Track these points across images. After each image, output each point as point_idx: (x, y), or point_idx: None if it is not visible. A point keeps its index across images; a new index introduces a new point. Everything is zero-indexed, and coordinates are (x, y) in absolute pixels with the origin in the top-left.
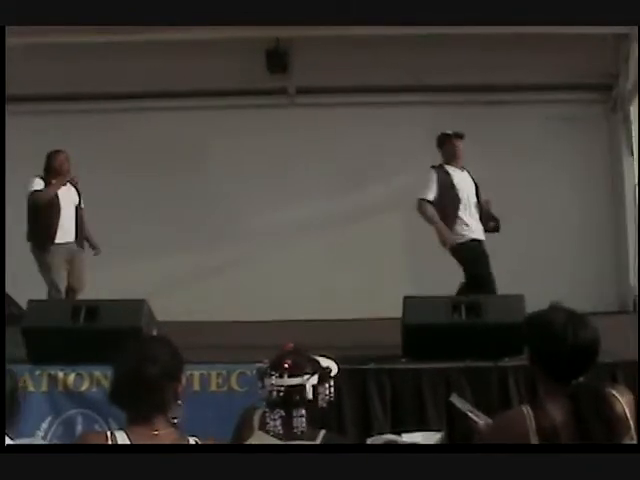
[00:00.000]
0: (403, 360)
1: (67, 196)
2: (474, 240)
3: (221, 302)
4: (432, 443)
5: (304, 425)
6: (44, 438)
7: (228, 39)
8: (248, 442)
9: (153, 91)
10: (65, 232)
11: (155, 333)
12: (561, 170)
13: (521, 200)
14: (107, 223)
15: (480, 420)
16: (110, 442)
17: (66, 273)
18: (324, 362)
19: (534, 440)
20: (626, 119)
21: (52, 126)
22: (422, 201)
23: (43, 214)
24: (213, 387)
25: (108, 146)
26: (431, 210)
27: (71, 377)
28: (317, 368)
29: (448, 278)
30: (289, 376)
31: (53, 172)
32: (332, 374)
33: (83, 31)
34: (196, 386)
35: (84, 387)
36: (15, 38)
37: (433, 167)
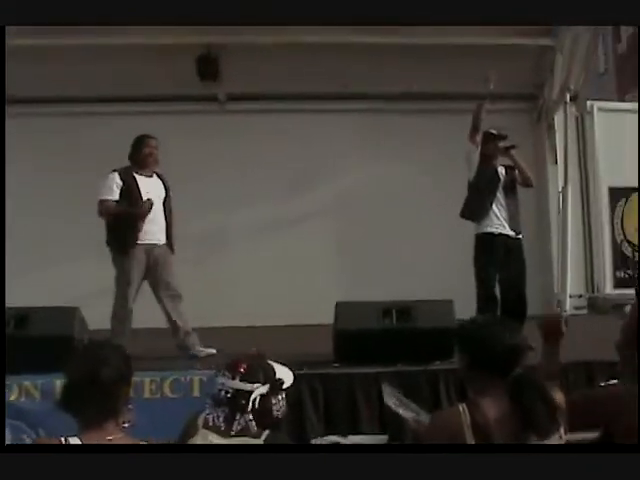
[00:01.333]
0: (335, 365)
1: (153, 190)
2: (507, 236)
3: (153, 309)
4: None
5: (246, 425)
6: None
7: (159, 45)
8: (192, 440)
9: (83, 96)
10: (148, 232)
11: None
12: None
13: (446, 207)
14: (39, 227)
15: (413, 414)
16: None
17: (151, 279)
18: (279, 373)
19: (469, 436)
20: (550, 128)
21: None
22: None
23: (122, 215)
24: (147, 394)
25: (44, 149)
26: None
27: None
28: (270, 378)
29: (380, 283)
30: (240, 380)
31: (139, 162)
32: (284, 386)
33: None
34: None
35: (13, 397)
36: None
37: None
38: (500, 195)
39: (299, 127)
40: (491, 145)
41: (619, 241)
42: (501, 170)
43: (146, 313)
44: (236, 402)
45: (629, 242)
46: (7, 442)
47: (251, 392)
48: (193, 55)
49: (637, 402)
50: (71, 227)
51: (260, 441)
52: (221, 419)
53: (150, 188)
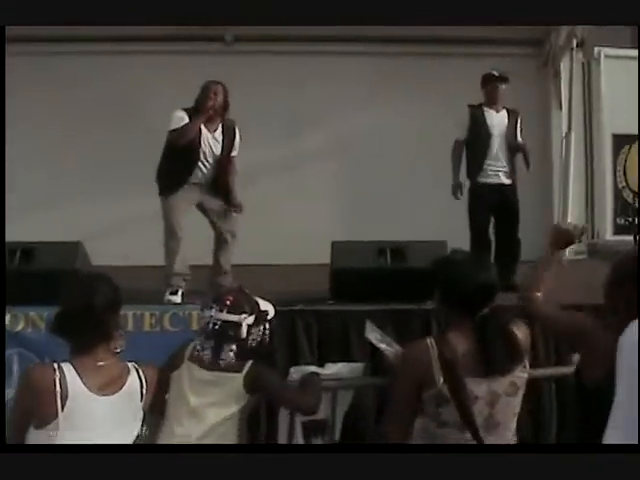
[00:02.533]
0: (330, 302)
1: (212, 142)
2: (501, 184)
3: (156, 247)
4: (353, 374)
5: (232, 358)
6: None
7: None
8: (177, 371)
9: (83, 35)
10: (197, 179)
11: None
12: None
13: (446, 151)
14: (44, 168)
15: (392, 349)
16: (57, 373)
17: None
18: (263, 305)
19: (436, 368)
20: (556, 74)
21: None
22: (455, 142)
23: (177, 154)
24: (147, 327)
25: (44, 90)
26: (457, 152)
27: (7, 318)
28: (255, 310)
29: (376, 224)
30: (227, 312)
31: (198, 106)
32: (268, 317)
33: None
34: (130, 326)
35: (19, 327)
36: None
37: (470, 106)
38: (497, 144)
39: (304, 69)
40: (492, 86)
41: (620, 188)
42: (503, 115)
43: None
44: (225, 333)
45: (631, 189)
46: (15, 370)
47: (239, 323)
48: None
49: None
50: (78, 163)
51: (241, 375)
52: (208, 351)
53: (210, 141)
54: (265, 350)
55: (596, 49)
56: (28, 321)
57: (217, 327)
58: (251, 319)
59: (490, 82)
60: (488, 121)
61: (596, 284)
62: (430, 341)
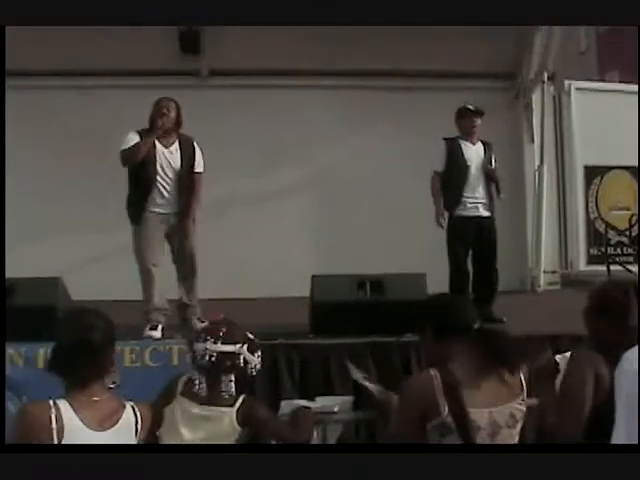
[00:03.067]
0: (311, 336)
1: (169, 156)
2: (479, 217)
3: (132, 281)
4: (343, 408)
5: (233, 390)
6: None
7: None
8: (169, 407)
9: (66, 69)
10: (162, 199)
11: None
12: None
13: (423, 184)
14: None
15: (376, 386)
16: (53, 411)
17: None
18: (251, 336)
19: (441, 398)
20: (528, 107)
21: None
22: (434, 174)
23: (136, 175)
24: (127, 362)
25: (30, 124)
26: (436, 185)
27: None
28: (246, 339)
29: (354, 257)
30: (222, 342)
31: (150, 124)
32: (258, 346)
33: None
34: None
35: None
36: None
37: (446, 139)
38: (474, 176)
39: (279, 103)
40: (467, 120)
41: (593, 219)
42: (478, 148)
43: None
44: (222, 365)
45: (602, 220)
46: None
47: (236, 353)
48: (175, 30)
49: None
50: (57, 199)
51: (234, 409)
52: (203, 385)
53: (166, 155)
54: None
55: (566, 82)
56: (7, 358)
57: (213, 359)
58: (245, 348)
59: (465, 116)
60: (465, 153)
61: (571, 313)
62: (434, 372)
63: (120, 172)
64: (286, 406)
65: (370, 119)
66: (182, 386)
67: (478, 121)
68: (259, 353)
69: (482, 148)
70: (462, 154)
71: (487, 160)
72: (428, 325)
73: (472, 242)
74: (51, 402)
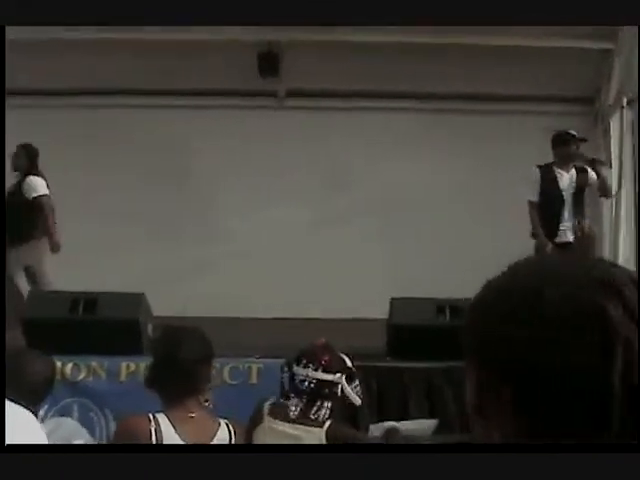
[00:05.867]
0: (388, 359)
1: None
2: (567, 242)
3: (211, 300)
4: (429, 431)
5: (327, 415)
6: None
7: (221, 41)
8: (259, 427)
9: (142, 88)
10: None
11: (151, 327)
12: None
13: (502, 207)
14: (98, 218)
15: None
16: (153, 425)
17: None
18: (348, 362)
19: None
20: (606, 132)
21: (30, 120)
22: (529, 202)
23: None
24: None
25: (94, 143)
26: (534, 215)
27: (68, 367)
28: (346, 368)
29: (432, 280)
30: (323, 371)
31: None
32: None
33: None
34: None
35: (81, 377)
36: None
37: (539, 166)
38: (568, 203)
39: (357, 125)
40: (567, 148)
41: None
42: (572, 174)
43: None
44: (319, 392)
45: None
46: (74, 419)
47: (334, 382)
48: (254, 51)
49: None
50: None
51: (323, 429)
52: (295, 408)
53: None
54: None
55: None
56: (90, 371)
57: (312, 386)
58: (344, 378)
59: (566, 142)
60: (560, 182)
61: None
62: None
63: (198, 191)
64: (376, 429)
65: (444, 143)
66: (269, 408)
67: (574, 148)
68: (357, 382)
69: (575, 175)
70: (557, 183)
71: (582, 187)
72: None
73: None
74: (150, 416)
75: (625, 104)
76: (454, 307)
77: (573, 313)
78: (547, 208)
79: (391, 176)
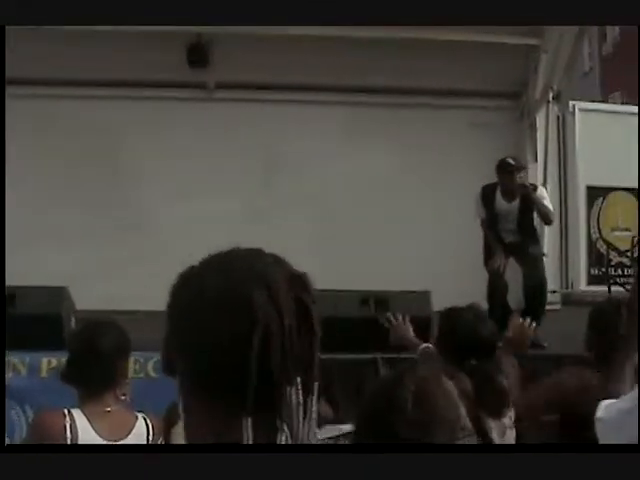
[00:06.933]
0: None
1: None
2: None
3: (134, 292)
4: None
5: None
6: None
7: (150, 32)
8: (176, 428)
9: (72, 79)
10: None
11: (73, 321)
12: (468, 173)
13: (428, 201)
14: (26, 207)
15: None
16: (67, 419)
17: None
18: None
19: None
20: (532, 127)
21: None
22: (480, 222)
23: None
24: (130, 374)
25: (31, 131)
26: (487, 234)
27: None
28: None
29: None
30: None
31: None
32: None
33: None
34: None
35: None
36: None
37: (483, 187)
38: (506, 228)
39: (285, 117)
40: (508, 177)
41: (594, 239)
42: (515, 204)
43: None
44: None
45: (604, 240)
46: None
47: None
48: (184, 42)
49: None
50: (61, 210)
51: None
52: None
53: None
54: None
55: (571, 103)
56: (9, 367)
57: None
58: None
59: (505, 171)
60: (497, 208)
61: (571, 334)
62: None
63: (124, 181)
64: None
65: (372, 135)
66: None
67: (519, 176)
68: None
69: (518, 205)
70: (494, 208)
71: (525, 215)
72: (446, 338)
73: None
74: (65, 411)
75: (551, 99)
76: (378, 300)
77: (226, 300)
78: (492, 223)
79: (317, 168)
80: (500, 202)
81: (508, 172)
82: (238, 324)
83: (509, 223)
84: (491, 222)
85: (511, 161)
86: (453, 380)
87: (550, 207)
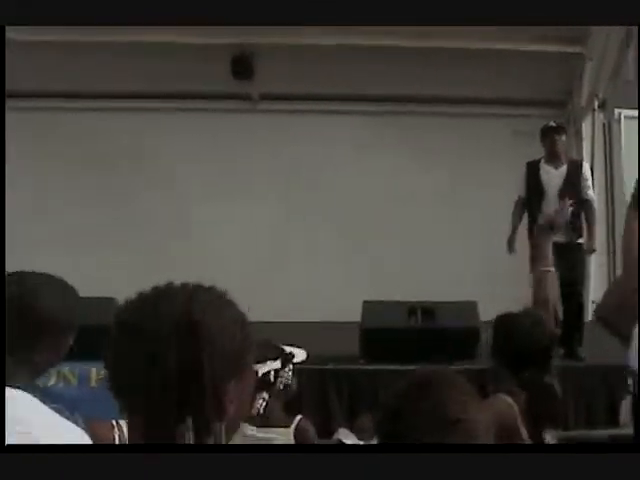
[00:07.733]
0: (361, 361)
1: None
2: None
3: None
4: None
5: (263, 406)
6: None
7: (195, 44)
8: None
9: (116, 91)
10: None
11: None
12: (512, 182)
13: (473, 210)
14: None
15: None
16: (116, 430)
17: None
18: (288, 349)
19: (522, 428)
20: (578, 135)
21: None
22: (517, 198)
23: None
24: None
25: (72, 145)
26: (515, 209)
27: None
28: (279, 354)
29: (405, 283)
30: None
31: None
32: (295, 360)
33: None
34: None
35: (51, 383)
36: None
37: (528, 163)
38: (552, 201)
39: (322, 127)
40: (550, 139)
41: None
42: (562, 171)
43: None
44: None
45: None
46: None
47: (267, 372)
48: (228, 55)
49: None
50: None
51: (290, 430)
52: None
53: None
54: (291, 393)
55: (616, 110)
56: (60, 377)
57: None
58: (277, 363)
59: (547, 134)
60: (542, 177)
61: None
62: (505, 398)
63: (161, 195)
64: (341, 433)
65: (419, 144)
66: None
67: (562, 138)
68: (290, 367)
69: (565, 171)
70: (539, 178)
71: (572, 184)
72: (502, 346)
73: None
74: (114, 422)
75: (596, 107)
76: (425, 310)
77: (172, 324)
78: (531, 205)
79: (363, 178)
80: (545, 169)
81: (553, 132)
82: (182, 343)
83: (551, 200)
84: (531, 199)
85: (552, 123)
86: (512, 397)
87: (592, 190)
